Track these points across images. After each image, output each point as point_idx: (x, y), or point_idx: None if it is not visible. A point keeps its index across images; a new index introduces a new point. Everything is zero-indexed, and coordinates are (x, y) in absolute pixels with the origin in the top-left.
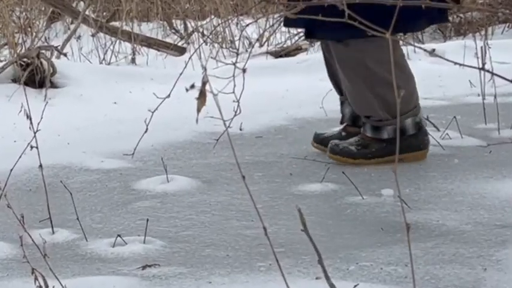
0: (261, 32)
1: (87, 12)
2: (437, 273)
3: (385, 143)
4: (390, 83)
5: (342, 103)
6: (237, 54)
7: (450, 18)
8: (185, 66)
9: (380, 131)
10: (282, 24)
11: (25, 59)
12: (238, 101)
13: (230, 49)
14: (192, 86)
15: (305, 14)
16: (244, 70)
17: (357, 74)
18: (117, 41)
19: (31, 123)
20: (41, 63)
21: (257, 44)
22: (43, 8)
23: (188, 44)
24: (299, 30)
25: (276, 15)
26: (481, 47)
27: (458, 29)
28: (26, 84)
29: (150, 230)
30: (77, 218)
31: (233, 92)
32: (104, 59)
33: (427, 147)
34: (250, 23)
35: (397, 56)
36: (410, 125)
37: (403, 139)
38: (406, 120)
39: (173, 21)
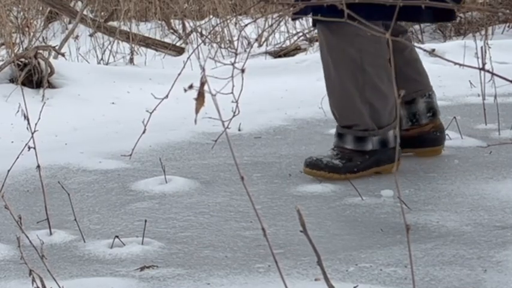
0: (260, 32)
1: (85, 12)
2: (437, 274)
3: (367, 155)
4: (380, 90)
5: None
6: (236, 54)
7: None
8: (183, 67)
9: (364, 142)
10: (281, 23)
11: (23, 59)
12: (236, 102)
13: (229, 49)
14: (191, 87)
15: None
16: (243, 70)
17: (351, 76)
18: (115, 41)
19: (28, 123)
20: (39, 63)
21: (256, 44)
22: (41, 8)
23: (186, 44)
24: (298, 29)
25: (275, 15)
26: (481, 47)
27: (458, 29)
28: (24, 84)
29: (148, 231)
30: (75, 219)
31: (232, 93)
32: (101, 59)
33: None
34: (249, 23)
35: (388, 61)
36: (392, 137)
37: (385, 151)
38: (389, 132)
39: (171, 21)
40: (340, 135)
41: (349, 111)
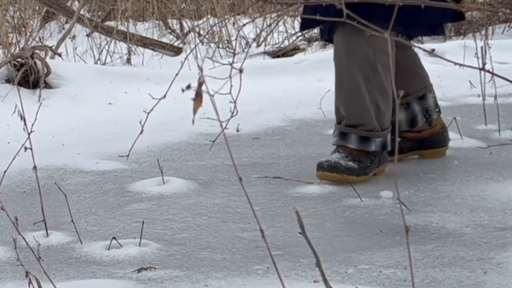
0: (258, 31)
1: (81, 12)
2: (437, 276)
3: (372, 156)
4: (386, 91)
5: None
6: (234, 54)
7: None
8: (181, 67)
9: (368, 143)
10: (279, 23)
11: (19, 59)
12: (235, 102)
13: (227, 49)
14: (188, 87)
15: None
16: (241, 70)
17: (363, 75)
18: (113, 41)
19: (25, 124)
20: (35, 63)
21: (254, 44)
22: (37, 8)
23: (184, 44)
24: (297, 30)
25: (273, 15)
26: (481, 47)
27: (458, 29)
28: (20, 84)
29: (146, 232)
30: (72, 221)
31: (230, 93)
32: (99, 59)
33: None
34: (247, 23)
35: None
36: (390, 140)
37: (382, 153)
38: (388, 135)
39: (169, 20)
40: (343, 134)
41: (359, 110)
